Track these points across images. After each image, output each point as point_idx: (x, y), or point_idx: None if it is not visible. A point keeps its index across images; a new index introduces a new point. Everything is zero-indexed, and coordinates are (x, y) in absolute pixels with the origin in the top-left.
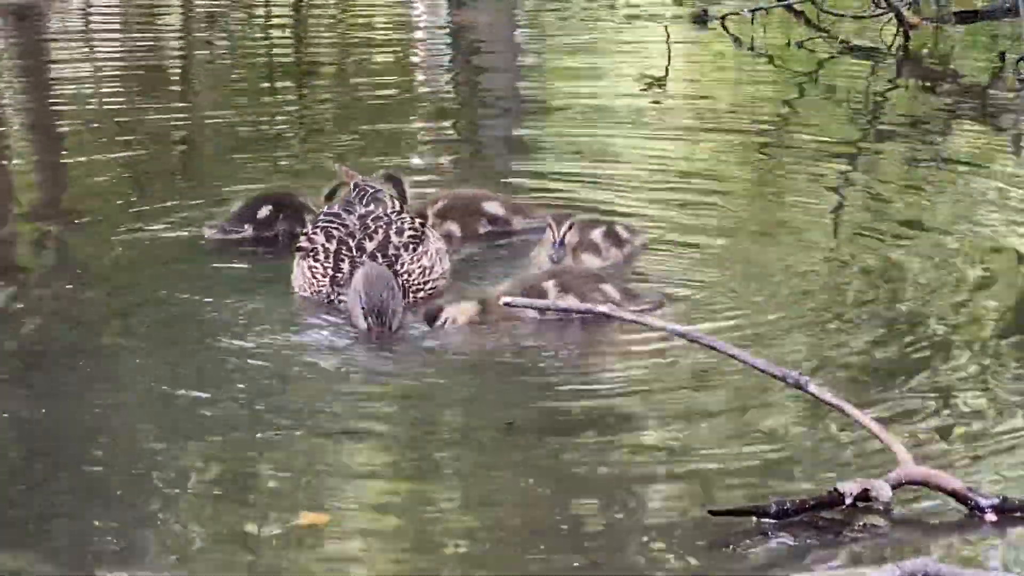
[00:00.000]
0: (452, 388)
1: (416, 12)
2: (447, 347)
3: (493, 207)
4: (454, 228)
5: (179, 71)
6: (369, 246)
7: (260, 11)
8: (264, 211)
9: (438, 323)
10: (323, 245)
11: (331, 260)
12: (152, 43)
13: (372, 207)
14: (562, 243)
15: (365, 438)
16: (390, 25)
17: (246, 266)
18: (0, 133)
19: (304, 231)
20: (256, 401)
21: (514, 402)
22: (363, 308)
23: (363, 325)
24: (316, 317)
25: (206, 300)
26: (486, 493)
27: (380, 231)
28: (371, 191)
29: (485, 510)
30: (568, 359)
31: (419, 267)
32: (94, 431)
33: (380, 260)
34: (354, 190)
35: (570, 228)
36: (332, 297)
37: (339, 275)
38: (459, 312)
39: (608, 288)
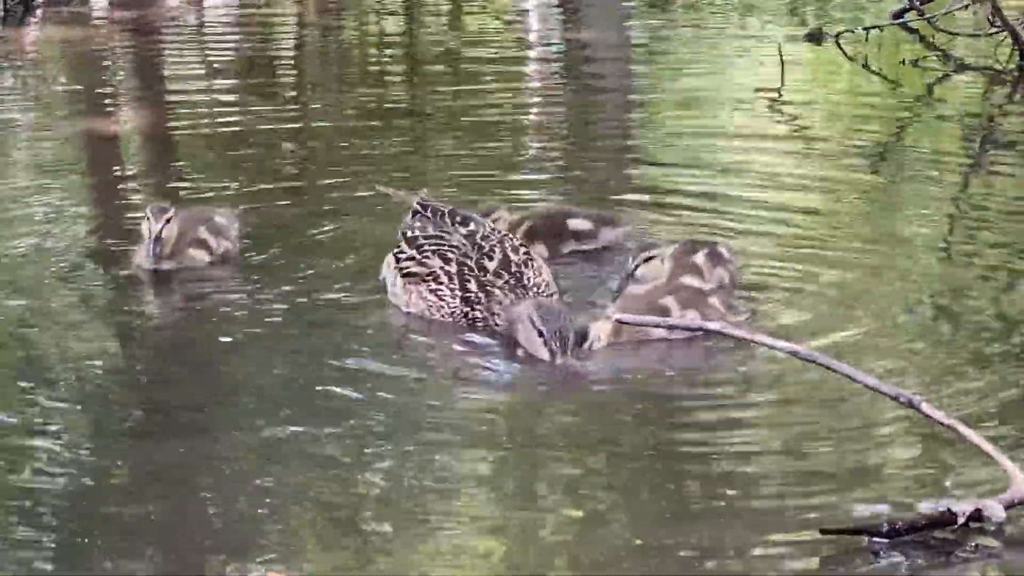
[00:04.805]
0: (564, 407)
1: (530, 28)
2: (574, 367)
3: (578, 223)
4: (540, 250)
5: (292, 91)
6: (490, 265)
7: (372, 17)
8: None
9: (587, 343)
10: (442, 268)
11: (456, 281)
12: (265, 51)
13: (472, 227)
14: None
15: (478, 457)
16: (503, 41)
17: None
18: (118, 141)
19: (408, 256)
20: (367, 420)
21: (624, 420)
22: (544, 338)
23: (545, 354)
24: (424, 337)
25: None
26: (591, 513)
27: (497, 249)
28: (447, 210)
29: (590, 529)
30: (680, 377)
31: (542, 282)
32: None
33: (506, 277)
34: (425, 210)
35: (649, 259)
36: (469, 318)
37: (469, 295)
38: (601, 330)
39: (716, 303)
